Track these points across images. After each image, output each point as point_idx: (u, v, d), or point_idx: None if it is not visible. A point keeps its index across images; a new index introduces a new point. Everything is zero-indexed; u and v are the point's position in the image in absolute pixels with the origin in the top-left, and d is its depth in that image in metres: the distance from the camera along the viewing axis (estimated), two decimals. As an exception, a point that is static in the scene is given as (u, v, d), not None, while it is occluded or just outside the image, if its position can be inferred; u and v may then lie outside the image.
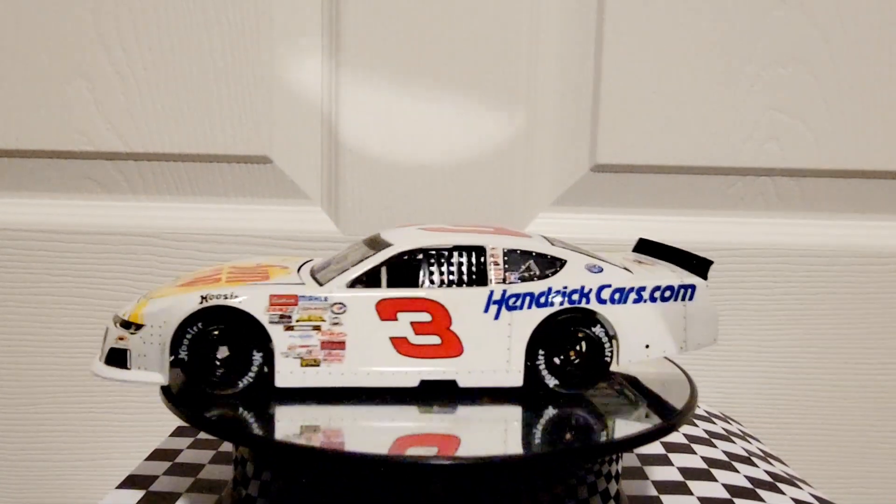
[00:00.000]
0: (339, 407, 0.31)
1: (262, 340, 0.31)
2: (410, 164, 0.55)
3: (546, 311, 0.32)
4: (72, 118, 0.55)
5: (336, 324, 0.32)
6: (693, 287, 0.34)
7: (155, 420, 0.57)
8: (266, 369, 0.32)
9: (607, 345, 0.33)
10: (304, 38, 0.54)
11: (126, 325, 0.32)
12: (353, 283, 0.32)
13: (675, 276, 0.34)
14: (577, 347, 0.33)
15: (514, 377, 0.32)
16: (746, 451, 0.45)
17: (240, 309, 0.31)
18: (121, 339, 0.32)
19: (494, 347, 0.32)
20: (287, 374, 0.31)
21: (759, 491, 0.39)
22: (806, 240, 0.55)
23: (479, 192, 0.55)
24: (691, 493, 0.38)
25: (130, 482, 0.39)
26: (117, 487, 0.38)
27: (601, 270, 0.34)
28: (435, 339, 0.32)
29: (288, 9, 0.54)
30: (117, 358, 0.32)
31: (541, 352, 0.32)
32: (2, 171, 0.57)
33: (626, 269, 0.35)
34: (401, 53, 0.54)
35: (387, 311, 0.32)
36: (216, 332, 0.31)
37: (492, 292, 0.32)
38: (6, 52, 0.54)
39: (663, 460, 0.42)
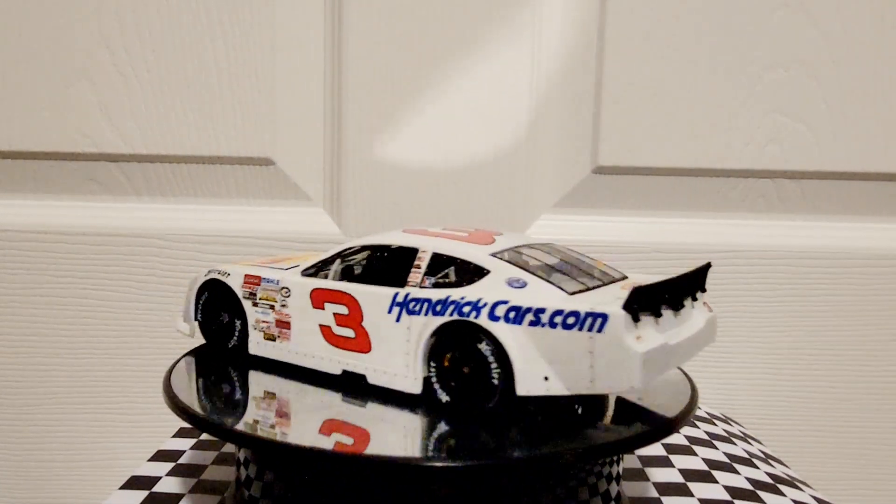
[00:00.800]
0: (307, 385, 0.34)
1: (241, 312, 0.37)
2: (413, 166, 0.55)
3: (438, 321, 0.30)
4: (75, 120, 0.55)
5: (284, 305, 0.35)
6: (604, 317, 0.27)
7: (158, 421, 0.57)
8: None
9: (494, 365, 0.29)
10: (307, 39, 0.54)
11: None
12: (313, 273, 0.35)
13: (588, 302, 0.29)
14: (470, 364, 0.30)
15: (412, 384, 0.31)
16: (747, 452, 0.45)
17: (226, 284, 0.37)
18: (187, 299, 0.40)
19: (396, 350, 0.32)
20: (255, 344, 0.36)
21: (759, 493, 0.39)
22: (807, 242, 0.56)
23: (481, 195, 0.55)
24: (692, 495, 0.38)
25: (133, 483, 0.39)
26: (120, 488, 0.39)
27: (523, 286, 0.30)
28: (350, 332, 0.33)
29: (290, 10, 0.54)
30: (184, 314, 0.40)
31: (432, 363, 0.31)
32: (5, 172, 0.57)
33: (570, 289, 0.30)
34: (403, 56, 0.54)
35: (318, 299, 0.34)
36: (212, 300, 0.38)
37: (396, 294, 0.32)
38: (10, 53, 0.55)
39: (664, 462, 0.42)
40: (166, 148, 0.55)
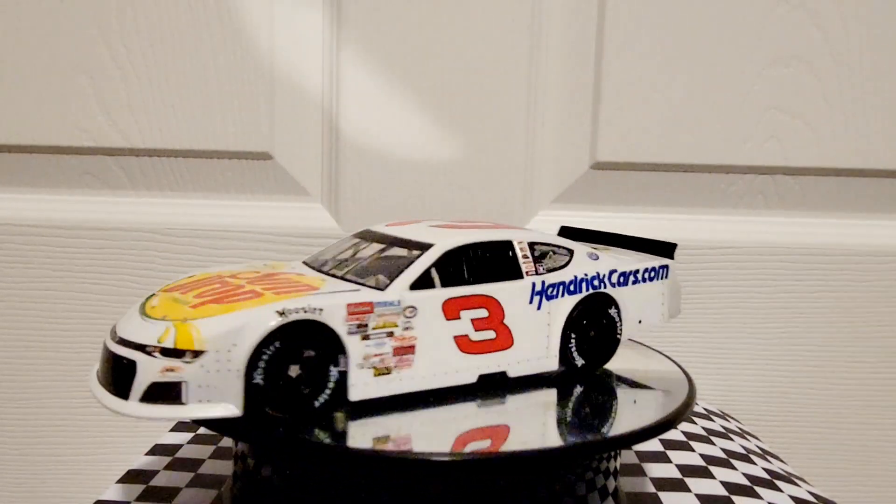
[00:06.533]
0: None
1: (336, 355, 0.30)
2: (411, 161, 0.55)
3: (577, 298, 0.35)
4: (73, 113, 0.55)
5: (408, 328, 0.31)
6: (667, 267, 0.39)
7: (155, 415, 0.57)
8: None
9: (619, 323, 0.37)
10: (306, 33, 0.54)
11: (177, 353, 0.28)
12: (414, 285, 0.32)
13: (653, 258, 0.39)
14: (596, 328, 0.36)
15: (552, 362, 0.35)
16: (745, 448, 0.45)
17: (321, 322, 0.29)
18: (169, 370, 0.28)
19: (538, 336, 0.35)
20: (362, 386, 0.30)
21: (757, 488, 0.39)
22: (806, 238, 0.56)
23: (480, 189, 0.55)
24: (689, 491, 0.38)
25: (130, 477, 0.39)
26: (118, 482, 0.39)
27: (597, 258, 0.37)
28: (490, 334, 0.33)
29: (289, 4, 0.54)
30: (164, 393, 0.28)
31: (572, 335, 0.35)
32: (3, 166, 0.57)
33: (598, 255, 0.38)
34: (402, 50, 0.54)
35: (452, 309, 0.32)
36: (286, 351, 0.29)
37: (534, 284, 0.34)
38: (8, 47, 0.54)
39: (662, 457, 0.42)
40: (164, 142, 0.55)
